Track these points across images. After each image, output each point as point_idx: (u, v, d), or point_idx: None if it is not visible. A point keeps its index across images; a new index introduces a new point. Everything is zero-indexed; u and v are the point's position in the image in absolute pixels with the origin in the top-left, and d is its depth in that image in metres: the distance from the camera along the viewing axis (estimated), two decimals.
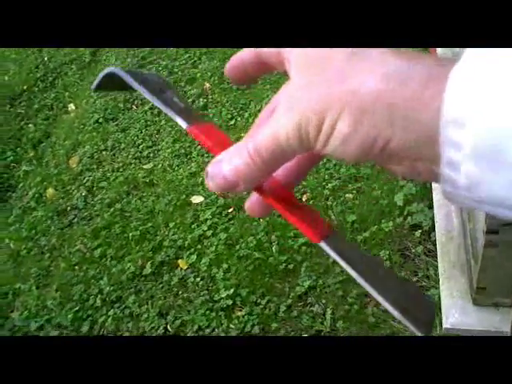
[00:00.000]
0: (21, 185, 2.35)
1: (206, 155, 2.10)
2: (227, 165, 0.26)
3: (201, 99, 2.42)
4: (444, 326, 1.11)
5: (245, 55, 0.29)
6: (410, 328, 0.25)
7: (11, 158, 2.51)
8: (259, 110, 2.20)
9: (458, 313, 1.12)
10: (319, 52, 0.25)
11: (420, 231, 1.52)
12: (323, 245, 0.27)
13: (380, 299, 0.26)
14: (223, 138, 0.29)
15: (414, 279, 1.47)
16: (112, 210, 2.00)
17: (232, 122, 2.23)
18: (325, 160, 1.88)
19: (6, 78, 3.07)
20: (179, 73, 2.67)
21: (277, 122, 0.25)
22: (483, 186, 0.21)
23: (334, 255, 0.26)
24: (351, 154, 0.24)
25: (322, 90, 0.24)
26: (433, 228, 1.43)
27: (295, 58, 0.26)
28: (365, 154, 0.24)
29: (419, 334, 0.25)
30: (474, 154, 0.21)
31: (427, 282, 1.43)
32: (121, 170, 2.18)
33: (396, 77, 0.23)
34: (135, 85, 0.28)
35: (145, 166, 2.15)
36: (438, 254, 1.26)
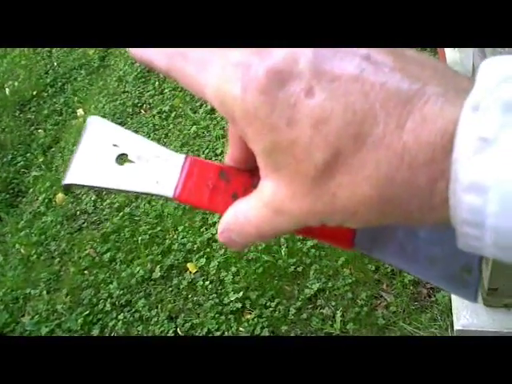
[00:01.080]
0: (31, 190, 2.37)
1: (213, 159, 2.10)
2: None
3: (208, 103, 2.42)
4: (455, 327, 1.09)
5: None
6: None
7: (21, 163, 2.53)
8: None
9: (469, 314, 1.11)
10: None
11: None
12: (357, 249, 0.25)
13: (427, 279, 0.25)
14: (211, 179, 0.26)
15: (425, 281, 1.45)
16: (121, 214, 2.00)
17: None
18: None
19: (16, 83, 3.10)
20: None
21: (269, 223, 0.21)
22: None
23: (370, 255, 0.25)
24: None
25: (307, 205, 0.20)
26: None
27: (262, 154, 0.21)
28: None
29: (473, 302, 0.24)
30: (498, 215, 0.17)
31: None
32: None
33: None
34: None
35: None
36: None
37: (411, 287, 1.45)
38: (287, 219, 0.21)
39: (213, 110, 2.39)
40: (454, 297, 1.21)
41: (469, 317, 1.11)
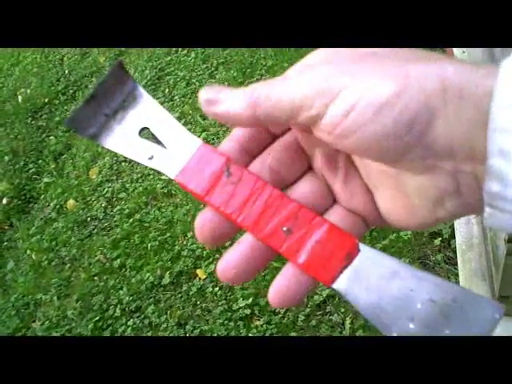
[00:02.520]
0: (42, 196, 2.39)
1: None
2: (225, 102, 0.24)
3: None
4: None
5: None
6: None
7: (33, 170, 2.56)
8: None
9: None
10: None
11: (440, 239, 1.50)
12: (337, 288, 0.24)
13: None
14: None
15: None
16: (131, 220, 2.01)
17: None
18: None
19: (28, 91, 3.14)
20: (197, 83, 2.69)
21: (287, 81, 0.22)
22: None
23: (350, 301, 0.24)
24: (380, 132, 0.20)
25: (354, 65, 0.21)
26: (452, 236, 1.41)
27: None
28: (399, 136, 0.20)
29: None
30: None
31: None
32: (140, 180, 2.20)
33: (445, 59, 0.20)
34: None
35: (163, 177, 2.17)
36: (459, 261, 1.24)
37: None
38: (319, 80, 0.22)
39: None
40: None
41: None
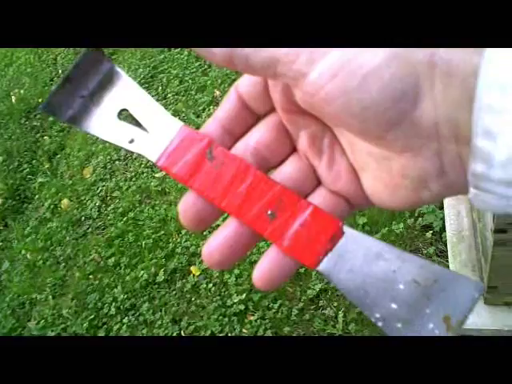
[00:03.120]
0: (36, 196, 2.39)
1: None
2: None
3: (211, 107, 2.44)
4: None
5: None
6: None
7: (27, 170, 2.56)
8: None
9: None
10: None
11: (431, 232, 1.50)
12: (321, 271, 0.24)
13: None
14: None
15: None
16: (125, 218, 2.02)
17: None
18: None
19: (22, 91, 3.14)
20: (190, 81, 2.70)
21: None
22: None
23: (334, 283, 0.24)
24: (365, 100, 0.20)
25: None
26: (444, 228, 1.42)
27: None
28: (383, 109, 0.19)
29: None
30: None
31: None
32: (133, 179, 2.20)
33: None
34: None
35: (157, 175, 2.18)
36: (449, 254, 1.25)
37: None
38: None
39: None
40: None
41: (470, 316, 1.10)
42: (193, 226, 0.25)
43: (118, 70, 0.26)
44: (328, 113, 0.21)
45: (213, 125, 0.26)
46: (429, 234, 1.50)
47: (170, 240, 1.86)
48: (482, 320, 1.09)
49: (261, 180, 0.25)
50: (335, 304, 1.48)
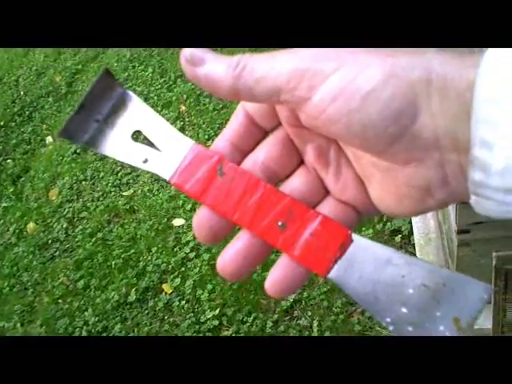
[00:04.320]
0: (1, 221, 2.32)
1: None
2: (209, 64, 0.23)
3: (178, 122, 2.43)
4: None
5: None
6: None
7: None
8: None
9: None
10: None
11: (400, 236, 1.52)
12: (332, 278, 0.25)
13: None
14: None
15: None
16: (94, 239, 1.98)
17: (209, 143, 2.23)
18: None
19: None
20: (155, 97, 2.68)
21: (274, 59, 0.22)
22: None
23: (345, 290, 0.25)
24: (366, 121, 0.21)
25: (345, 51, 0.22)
26: (412, 232, 1.43)
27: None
28: (384, 127, 0.20)
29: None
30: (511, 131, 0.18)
31: None
32: (101, 198, 2.17)
33: (430, 51, 0.21)
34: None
35: (125, 193, 2.14)
36: (418, 256, 1.26)
37: None
38: (306, 61, 0.22)
39: (182, 129, 2.39)
40: None
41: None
42: (207, 240, 0.26)
43: (130, 93, 0.27)
44: (331, 132, 0.22)
45: (222, 142, 0.27)
46: (398, 238, 1.52)
47: (141, 258, 1.83)
48: None
49: (270, 193, 0.26)
50: (309, 313, 1.47)
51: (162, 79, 2.79)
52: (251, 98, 0.23)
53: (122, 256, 1.86)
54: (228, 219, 0.26)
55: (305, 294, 1.52)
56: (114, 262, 1.84)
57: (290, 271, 0.25)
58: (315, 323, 1.44)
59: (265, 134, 0.27)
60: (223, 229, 0.26)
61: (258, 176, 0.26)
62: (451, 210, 0.93)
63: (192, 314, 1.59)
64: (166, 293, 1.68)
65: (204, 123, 2.34)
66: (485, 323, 1.07)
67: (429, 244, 1.26)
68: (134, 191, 2.14)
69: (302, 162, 0.27)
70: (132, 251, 1.87)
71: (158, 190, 2.09)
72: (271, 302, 1.54)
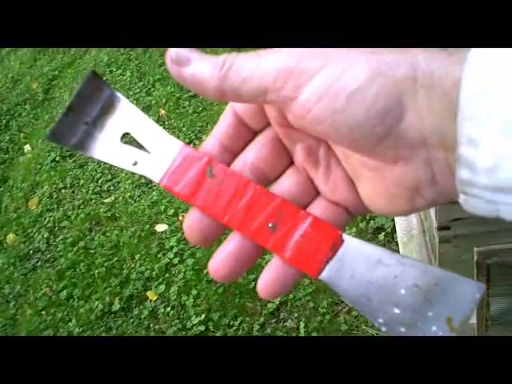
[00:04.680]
0: None
1: None
2: (194, 64, 0.23)
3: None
4: None
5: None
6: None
7: None
8: None
9: None
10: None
11: (383, 233, 1.52)
12: (323, 279, 0.24)
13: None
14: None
15: None
16: (75, 248, 1.95)
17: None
18: None
19: None
20: (134, 102, 2.65)
21: (259, 58, 0.22)
22: (508, 162, 0.18)
23: (336, 291, 0.24)
24: (351, 120, 0.20)
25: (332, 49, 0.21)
26: (395, 229, 1.44)
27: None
28: (370, 126, 0.20)
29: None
30: (498, 127, 0.18)
31: None
32: (81, 206, 2.14)
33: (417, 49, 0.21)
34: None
35: (106, 200, 2.12)
36: (401, 253, 1.26)
37: None
38: (294, 59, 0.22)
39: None
40: None
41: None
42: (199, 242, 0.26)
43: (119, 95, 0.27)
44: (318, 132, 0.22)
45: (211, 143, 0.26)
46: (381, 236, 1.52)
47: (124, 266, 1.81)
48: None
49: (260, 194, 0.25)
50: (296, 315, 1.46)
51: (141, 83, 2.76)
52: (237, 99, 0.23)
53: (105, 264, 1.83)
54: (218, 221, 0.25)
55: (290, 296, 1.51)
56: (96, 271, 1.82)
57: (281, 273, 0.25)
58: (302, 324, 1.43)
59: (254, 134, 0.27)
60: (214, 231, 0.26)
61: (248, 177, 0.26)
62: None
63: (178, 321, 1.57)
64: (150, 300, 1.66)
65: (184, 126, 2.32)
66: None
67: (411, 241, 1.26)
68: (115, 198, 2.11)
69: (291, 163, 0.27)
70: (115, 259, 1.84)
71: (139, 196, 2.07)
72: (257, 305, 1.53)
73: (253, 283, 1.57)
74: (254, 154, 0.26)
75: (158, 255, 1.78)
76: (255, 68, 0.22)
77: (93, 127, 0.26)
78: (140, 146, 0.26)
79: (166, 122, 2.41)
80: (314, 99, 0.21)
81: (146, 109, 2.56)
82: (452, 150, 0.20)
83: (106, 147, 0.26)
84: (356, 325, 1.38)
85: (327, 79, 0.21)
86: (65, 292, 1.81)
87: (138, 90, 2.72)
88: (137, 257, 1.81)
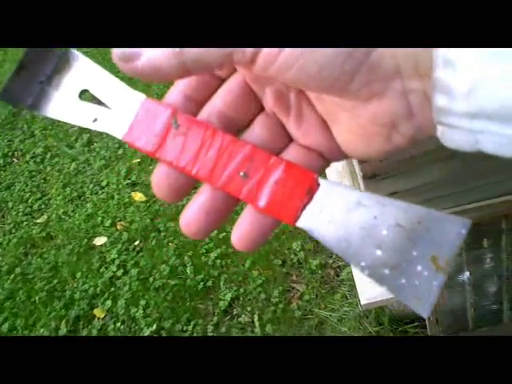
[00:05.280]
0: None
1: (100, 192, 1.98)
2: (146, 53, 0.22)
3: (84, 134, 2.29)
4: (361, 303, 1.09)
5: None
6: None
7: None
8: None
9: (370, 287, 1.11)
10: None
11: None
12: (301, 226, 0.23)
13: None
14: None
15: (330, 261, 1.45)
16: (12, 276, 1.83)
17: (121, 152, 2.13)
18: None
19: None
20: None
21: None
22: (487, 84, 0.17)
23: (316, 237, 0.23)
24: (320, 59, 0.19)
25: None
26: None
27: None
28: (339, 63, 0.19)
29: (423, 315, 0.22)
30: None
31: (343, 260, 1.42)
32: (13, 231, 2.01)
33: None
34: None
35: (38, 221, 2.00)
36: None
37: (319, 271, 1.44)
38: None
39: (90, 142, 2.26)
40: (354, 273, 1.21)
41: (371, 289, 1.11)
42: (169, 199, 0.24)
43: (75, 52, 0.25)
44: (287, 79, 0.21)
45: (175, 94, 0.25)
46: None
47: (66, 287, 1.71)
48: (385, 292, 1.10)
49: (229, 142, 0.24)
50: (249, 309, 1.43)
51: None
52: (203, 68, 0.22)
53: (46, 288, 1.73)
54: (187, 174, 0.24)
55: (241, 290, 1.48)
56: (37, 297, 1.71)
57: (256, 222, 0.24)
58: (256, 318, 1.40)
59: (220, 82, 0.25)
60: (184, 185, 0.24)
61: (216, 126, 0.24)
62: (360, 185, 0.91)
63: (129, 335, 1.51)
64: (98, 318, 1.59)
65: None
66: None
67: None
68: (48, 216, 2.00)
69: (261, 109, 0.26)
70: (55, 281, 1.75)
71: (73, 210, 1.97)
72: (209, 305, 1.49)
73: (201, 283, 1.53)
74: (220, 102, 0.25)
75: (101, 270, 1.70)
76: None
77: (48, 86, 0.25)
78: (100, 103, 0.25)
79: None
80: (275, 49, 0.20)
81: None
82: (428, 77, 0.19)
83: (63, 106, 0.25)
84: (309, 309, 1.37)
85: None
86: (6, 324, 1.70)
87: None
88: (78, 275, 1.72)
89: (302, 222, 0.23)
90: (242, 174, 0.24)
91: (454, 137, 0.20)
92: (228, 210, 0.24)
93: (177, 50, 0.21)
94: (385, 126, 0.22)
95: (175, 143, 0.24)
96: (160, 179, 0.24)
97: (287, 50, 0.20)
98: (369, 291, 1.10)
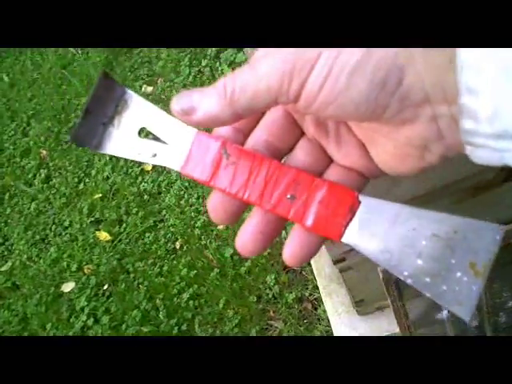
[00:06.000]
0: None
1: (63, 233, 1.90)
2: (200, 107, 0.24)
3: (41, 170, 2.19)
4: None
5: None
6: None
7: None
8: (105, 164, 2.03)
9: (347, 328, 1.08)
10: None
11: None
12: (346, 242, 0.25)
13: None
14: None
15: (306, 293, 1.41)
16: None
17: (81, 186, 2.04)
18: (186, 196, 1.77)
19: None
20: (10, 147, 2.41)
21: (256, 69, 0.23)
22: (508, 108, 0.19)
23: (360, 251, 0.25)
24: (356, 97, 0.21)
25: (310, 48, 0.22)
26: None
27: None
28: (373, 98, 0.21)
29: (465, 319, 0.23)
30: (495, 74, 0.19)
31: (319, 295, 1.38)
32: None
33: None
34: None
35: (2, 269, 1.91)
36: (313, 268, 1.21)
37: (296, 305, 1.40)
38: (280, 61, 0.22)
39: (48, 178, 2.16)
40: (329, 313, 1.17)
41: (345, 329, 1.07)
42: (225, 222, 0.27)
43: (130, 92, 0.27)
44: (327, 115, 0.23)
45: (223, 127, 0.27)
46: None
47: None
48: (359, 331, 1.06)
49: (276, 168, 0.26)
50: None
51: (14, 123, 2.51)
52: (253, 112, 0.24)
53: None
54: (239, 199, 0.26)
55: (217, 332, 1.43)
56: None
57: (305, 240, 0.26)
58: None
59: (263, 113, 0.28)
60: (237, 209, 0.27)
61: (262, 153, 0.26)
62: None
63: None
64: None
65: (70, 164, 2.13)
66: (393, 328, 1.04)
67: (321, 256, 1.21)
68: (12, 263, 1.91)
69: (302, 134, 0.28)
70: (25, 334, 1.67)
71: (37, 255, 1.88)
72: None
73: (176, 328, 1.47)
74: (265, 131, 0.27)
75: (71, 319, 1.63)
76: (257, 81, 0.23)
77: (110, 126, 0.27)
78: (157, 139, 0.27)
79: (51, 164, 2.20)
80: (317, 87, 0.22)
81: (26, 152, 2.33)
82: (454, 103, 0.21)
83: (125, 144, 0.27)
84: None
85: (326, 63, 0.21)
86: None
87: (13, 132, 2.47)
88: (48, 326, 1.65)
89: (347, 238, 0.25)
90: (289, 196, 0.26)
91: (481, 155, 0.21)
92: (278, 229, 0.27)
93: (227, 97, 0.23)
94: (418, 147, 0.23)
95: (227, 172, 0.26)
96: (216, 205, 0.27)
97: (326, 89, 0.22)
98: (346, 333, 1.07)
